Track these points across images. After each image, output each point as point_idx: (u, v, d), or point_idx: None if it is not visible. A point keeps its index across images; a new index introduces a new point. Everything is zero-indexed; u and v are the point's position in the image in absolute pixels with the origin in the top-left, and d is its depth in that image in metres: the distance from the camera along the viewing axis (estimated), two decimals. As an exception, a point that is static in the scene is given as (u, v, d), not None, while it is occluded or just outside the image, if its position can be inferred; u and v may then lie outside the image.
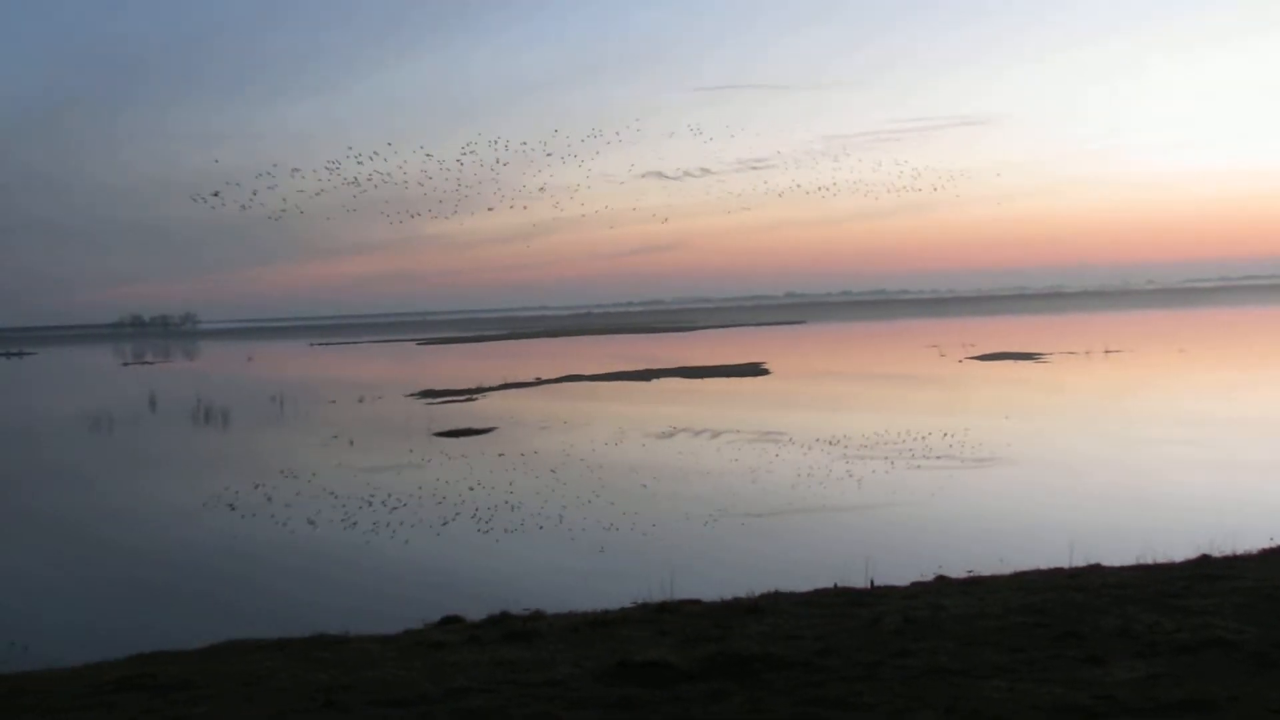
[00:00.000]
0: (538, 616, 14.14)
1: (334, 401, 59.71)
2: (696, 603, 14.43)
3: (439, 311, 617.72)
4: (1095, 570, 15.49)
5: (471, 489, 29.48)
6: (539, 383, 67.80)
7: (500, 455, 35.95)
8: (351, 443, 40.38)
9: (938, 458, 30.77)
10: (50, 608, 19.02)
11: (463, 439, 40.44)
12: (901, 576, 16.05)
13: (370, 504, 27.73)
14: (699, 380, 65.62)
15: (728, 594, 14.88)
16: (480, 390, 62.57)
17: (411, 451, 37.48)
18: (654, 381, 65.96)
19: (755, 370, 71.87)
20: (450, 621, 14.56)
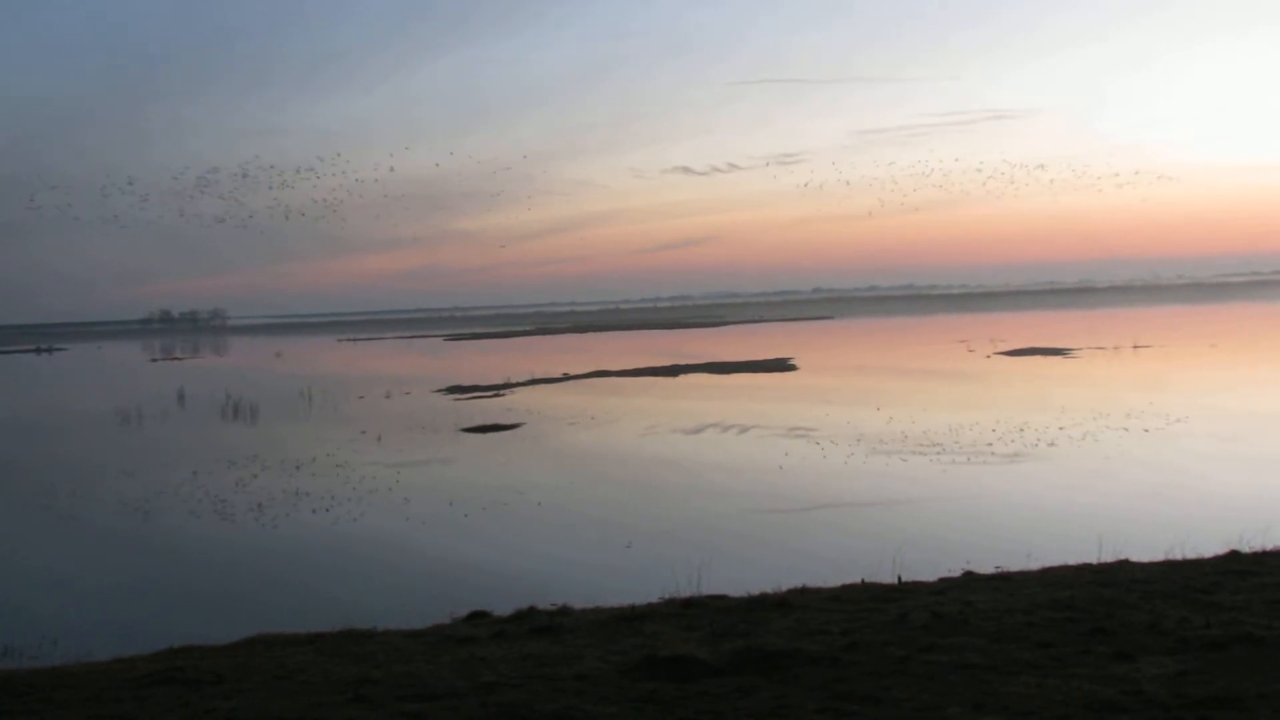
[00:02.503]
0: (565, 611, 14.18)
1: (362, 397, 59.95)
2: (724, 597, 14.44)
3: (467, 307, 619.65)
4: (1124, 566, 15.43)
5: (499, 484, 29.55)
6: (566, 378, 67.89)
7: (528, 451, 36.04)
8: (379, 438, 40.54)
9: (966, 453, 30.67)
10: (81, 602, 19.18)
11: (490, 434, 40.56)
12: (929, 572, 16.02)
13: (398, 499, 27.84)
14: (726, 376, 65.59)
15: (755, 589, 14.88)
16: (508, 386, 62.71)
17: (439, 447, 37.61)
18: (681, 377, 65.93)
19: (783, 366, 71.77)
20: (478, 616, 14.62)
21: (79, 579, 21.12)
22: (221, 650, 13.12)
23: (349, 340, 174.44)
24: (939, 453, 30.98)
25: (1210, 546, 16.65)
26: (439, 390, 62.18)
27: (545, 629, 13.05)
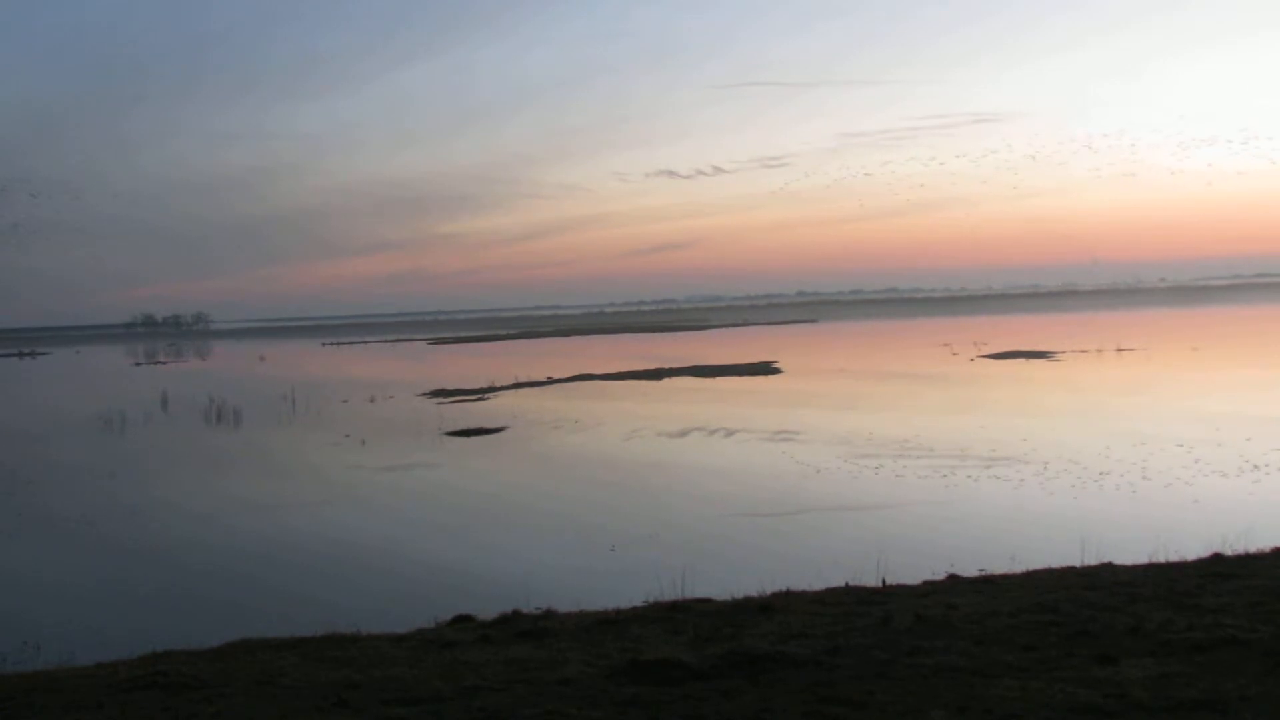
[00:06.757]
0: (549, 615, 14.15)
1: (345, 401, 59.80)
2: (708, 601, 14.43)
3: (451, 311, 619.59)
4: (1107, 569, 15.46)
5: (482, 488, 29.51)
6: (550, 382, 67.81)
7: (512, 455, 35.98)
8: (363, 442, 40.44)
9: (949, 456, 30.71)
10: (62, 607, 19.07)
11: (474, 438, 40.49)
12: (913, 575, 16.04)
13: (381, 503, 27.78)
14: (711, 379, 65.58)
15: (739, 592, 14.87)
16: (492, 389, 62.61)
17: (423, 451, 37.53)
18: (666, 380, 65.92)
19: (767, 369, 71.79)
20: (462, 620, 14.57)
21: (61, 583, 21.00)
22: (204, 655, 13.05)
23: (333, 344, 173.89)
24: (922, 456, 31.02)
25: (1193, 549, 16.71)
26: (423, 394, 62.06)
27: (529, 633, 13.02)
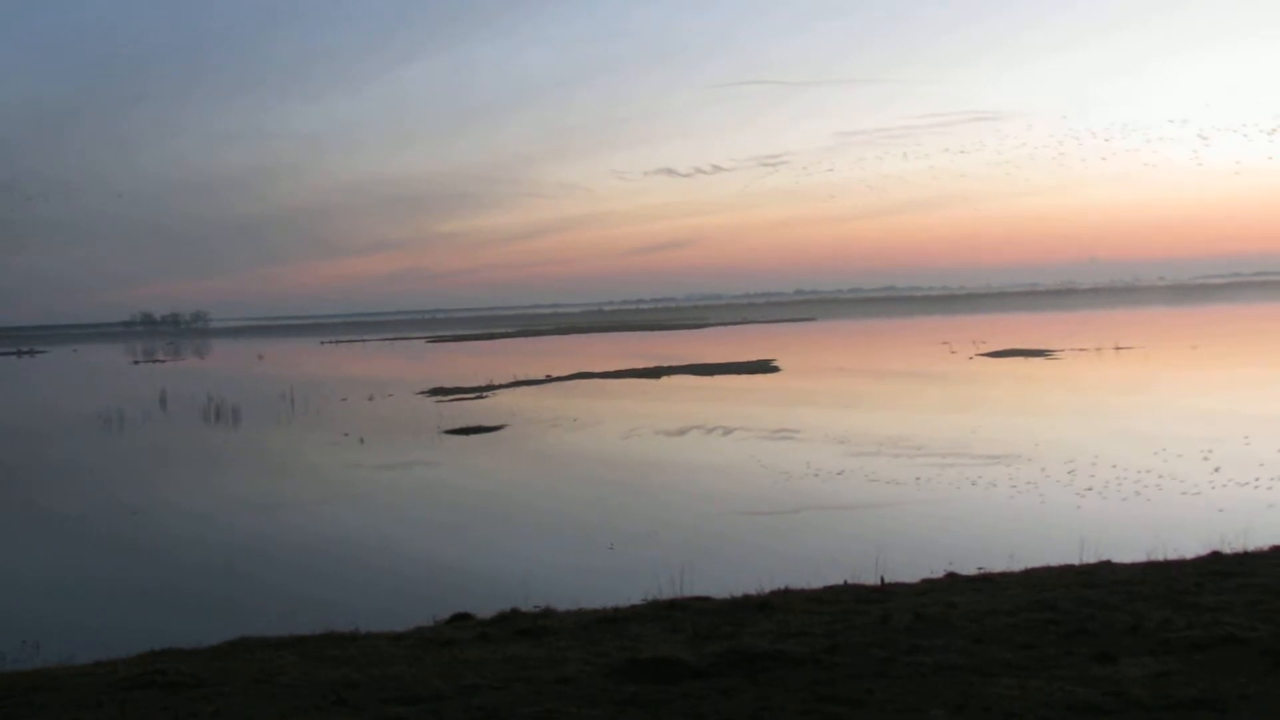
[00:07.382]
0: (548, 614, 14.15)
1: (344, 399, 59.77)
2: (707, 599, 14.43)
3: (450, 309, 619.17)
4: (1106, 567, 15.46)
5: (481, 486, 29.49)
6: (549, 380, 67.80)
7: (510, 453, 35.97)
8: (362, 441, 40.42)
9: (948, 455, 30.71)
10: (61, 606, 19.08)
11: (473, 436, 40.48)
12: (912, 574, 16.03)
13: (380, 501, 27.77)
14: (709, 377, 65.57)
15: (738, 591, 14.87)
16: (490, 388, 62.59)
17: (422, 449, 37.52)
18: (664, 379, 65.90)
19: (766, 367, 71.78)
20: (460, 619, 14.57)
21: (61, 583, 21.00)
22: (203, 653, 13.04)
23: (332, 342, 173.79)
24: (921, 454, 31.02)
25: (1192, 547, 16.71)
26: (422, 392, 62.03)
27: (528, 631, 13.02)
